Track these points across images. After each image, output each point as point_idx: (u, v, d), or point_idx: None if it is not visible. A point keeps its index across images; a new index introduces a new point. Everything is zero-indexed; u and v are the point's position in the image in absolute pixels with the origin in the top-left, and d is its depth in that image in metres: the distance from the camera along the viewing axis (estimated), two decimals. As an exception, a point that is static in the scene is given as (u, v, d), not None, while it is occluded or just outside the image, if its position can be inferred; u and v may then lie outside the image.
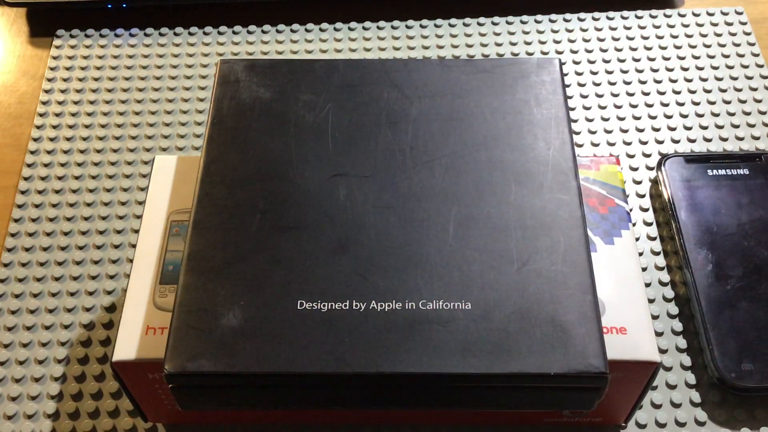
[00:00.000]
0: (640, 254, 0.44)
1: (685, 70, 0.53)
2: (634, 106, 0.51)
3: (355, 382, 0.31)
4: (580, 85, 0.52)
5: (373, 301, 0.32)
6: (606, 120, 0.50)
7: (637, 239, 0.45)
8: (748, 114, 0.51)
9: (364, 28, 0.55)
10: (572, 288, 0.33)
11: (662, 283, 0.44)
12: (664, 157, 0.46)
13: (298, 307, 0.32)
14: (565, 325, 0.32)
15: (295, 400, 0.33)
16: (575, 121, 0.50)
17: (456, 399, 0.33)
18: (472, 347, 0.31)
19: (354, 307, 0.32)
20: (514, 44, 0.54)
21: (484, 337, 0.31)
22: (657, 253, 0.45)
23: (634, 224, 0.45)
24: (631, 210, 0.46)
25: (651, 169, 0.48)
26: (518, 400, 0.33)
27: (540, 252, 0.34)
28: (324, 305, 0.32)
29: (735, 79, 0.52)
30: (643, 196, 0.47)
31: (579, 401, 0.32)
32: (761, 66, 0.53)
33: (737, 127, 0.50)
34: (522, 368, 0.31)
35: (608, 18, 0.55)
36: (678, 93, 0.52)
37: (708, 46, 0.54)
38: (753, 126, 0.50)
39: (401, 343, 0.31)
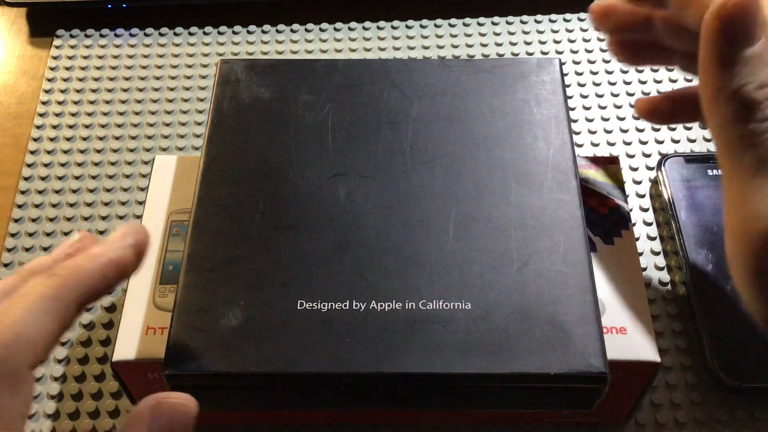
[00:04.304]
0: (640, 254, 0.44)
1: (685, 70, 0.53)
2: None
3: (355, 382, 0.31)
4: (580, 85, 0.52)
5: (373, 301, 0.32)
6: (606, 120, 0.50)
7: (637, 239, 0.45)
8: (748, 114, 0.50)
9: (364, 28, 0.55)
10: (572, 288, 0.33)
11: (662, 283, 0.44)
12: (664, 157, 0.46)
13: (298, 307, 0.32)
14: (565, 325, 0.32)
15: (295, 400, 0.33)
16: (575, 121, 0.50)
17: (456, 399, 0.33)
18: (472, 347, 0.31)
19: (354, 307, 0.32)
20: (514, 44, 0.54)
21: (484, 337, 0.31)
22: (657, 253, 0.45)
23: (634, 224, 0.45)
24: (631, 210, 0.46)
25: (651, 169, 0.48)
26: (518, 400, 0.33)
27: (540, 252, 0.34)
28: (324, 305, 0.32)
29: (735, 79, 0.52)
30: (643, 196, 0.47)
31: (579, 401, 0.32)
32: (761, 66, 0.53)
33: (737, 127, 0.50)
34: (522, 368, 0.31)
35: (608, 18, 0.55)
36: (678, 93, 0.51)
37: (708, 46, 0.54)
38: (753, 126, 0.50)
39: (401, 343, 0.31)
